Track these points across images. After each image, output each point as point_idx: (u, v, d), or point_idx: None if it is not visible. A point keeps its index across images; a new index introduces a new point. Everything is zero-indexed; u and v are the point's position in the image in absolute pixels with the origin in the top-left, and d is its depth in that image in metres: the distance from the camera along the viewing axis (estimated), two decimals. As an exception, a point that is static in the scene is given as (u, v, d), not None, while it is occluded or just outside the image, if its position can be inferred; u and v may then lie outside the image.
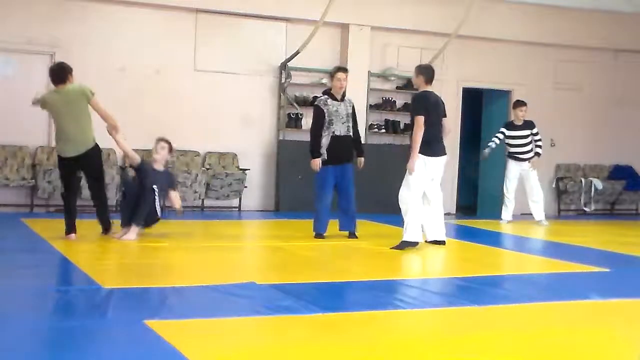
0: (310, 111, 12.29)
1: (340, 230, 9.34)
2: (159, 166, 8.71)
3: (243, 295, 5.77)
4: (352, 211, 9.35)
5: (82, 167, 8.35)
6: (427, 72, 8.74)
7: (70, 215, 8.30)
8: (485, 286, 6.60)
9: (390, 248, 8.58)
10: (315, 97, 12.45)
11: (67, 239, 8.16)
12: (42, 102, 8.34)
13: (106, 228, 8.51)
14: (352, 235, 9.32)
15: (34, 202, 10.98)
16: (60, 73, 8.27)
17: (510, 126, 12.21)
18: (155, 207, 8.41)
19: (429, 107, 8.55)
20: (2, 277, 6.27)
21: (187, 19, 11.96)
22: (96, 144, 8.29)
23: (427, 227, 8.94)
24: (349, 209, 9.34)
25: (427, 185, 8.74)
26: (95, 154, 8.30)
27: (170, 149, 8.87)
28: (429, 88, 8.70)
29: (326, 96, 9.28)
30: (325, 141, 9.17)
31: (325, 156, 9.17)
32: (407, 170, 8.59)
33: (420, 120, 8.45)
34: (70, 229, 8.26)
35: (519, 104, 12.21)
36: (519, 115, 12.14)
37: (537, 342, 4.87)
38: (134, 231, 8.33)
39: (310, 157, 9.27)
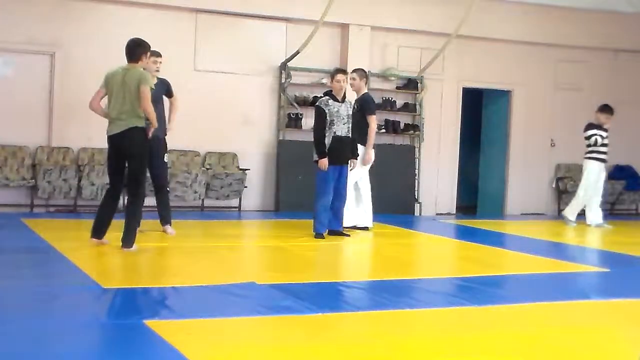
0: (311, 111, 12.34)
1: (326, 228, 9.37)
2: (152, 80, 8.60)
3: (243, 295, 5.77)
4: (342, 211, 9.51)
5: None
6: (367, 75, 10.31)
7: (99, 215, 7.72)
8: (485, 286, 6.60)
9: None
10: (315, 97, 12.48)
11: (99, 243, 7.65)
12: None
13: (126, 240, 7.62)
14: (342, 233, 9.39)
15: (34, 202, 10.97)
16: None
17: (602, 129, 12.06)
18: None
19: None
20: (2, 277, 6.27)
21: (187, 19, 11.95)
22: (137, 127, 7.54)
23: (352, 213, 9.92)
24: (340, 209, 9.45)
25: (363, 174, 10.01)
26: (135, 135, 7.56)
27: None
28: (366, 90, 10.17)
29: (327, 97, 9.35)
30: (327, 141, 9.20)
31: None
32: (364, 163, 9.84)
33: (375, 118, 9.98)
34: (97, 232, 7.70)
35: (608, 108, 12.18)
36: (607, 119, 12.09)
37: (537, 342, 4.88)
38: (171, 229, 8.88)
39: (313, 158, 9.29)
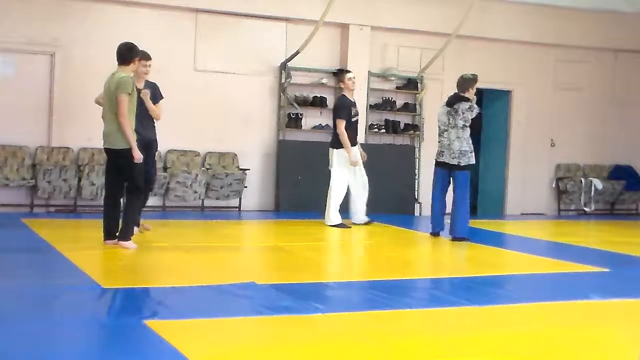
0: (311, 111, 12.45)
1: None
2: (140, 83, 8.54)
3: (243, 295, 5.78)
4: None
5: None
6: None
7: (104, 219, 7.87)
8: (485, 286, 6.60)
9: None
10: (315, 97, 12.49)
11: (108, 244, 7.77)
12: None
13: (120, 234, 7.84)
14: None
15: (34, 202, 10.97)
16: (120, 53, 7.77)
17: None
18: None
19: None
20: (2, 277, 6.27)
21: (187, 19, 11.94)
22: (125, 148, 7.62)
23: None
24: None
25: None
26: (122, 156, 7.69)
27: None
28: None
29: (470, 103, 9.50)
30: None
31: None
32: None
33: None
34: (106, 234, 7.85)
35: None
36: None
37: (537, 342, 4.88)
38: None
39: (465, 162, 9.66)
